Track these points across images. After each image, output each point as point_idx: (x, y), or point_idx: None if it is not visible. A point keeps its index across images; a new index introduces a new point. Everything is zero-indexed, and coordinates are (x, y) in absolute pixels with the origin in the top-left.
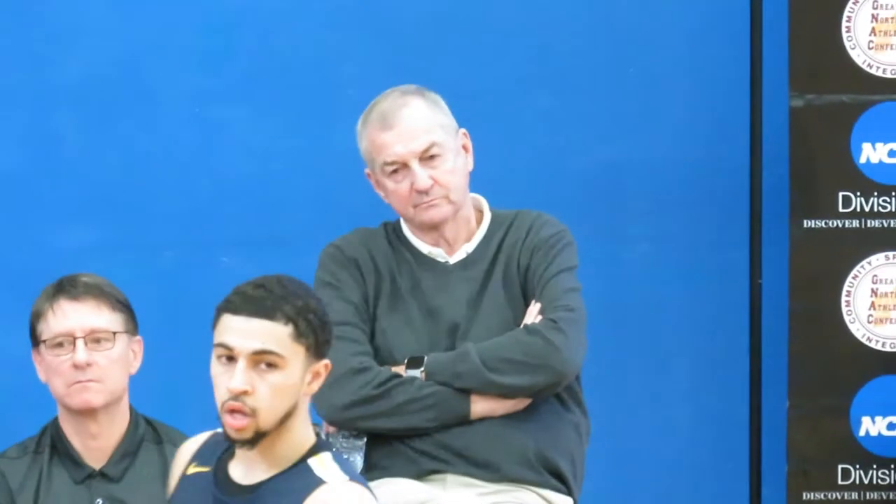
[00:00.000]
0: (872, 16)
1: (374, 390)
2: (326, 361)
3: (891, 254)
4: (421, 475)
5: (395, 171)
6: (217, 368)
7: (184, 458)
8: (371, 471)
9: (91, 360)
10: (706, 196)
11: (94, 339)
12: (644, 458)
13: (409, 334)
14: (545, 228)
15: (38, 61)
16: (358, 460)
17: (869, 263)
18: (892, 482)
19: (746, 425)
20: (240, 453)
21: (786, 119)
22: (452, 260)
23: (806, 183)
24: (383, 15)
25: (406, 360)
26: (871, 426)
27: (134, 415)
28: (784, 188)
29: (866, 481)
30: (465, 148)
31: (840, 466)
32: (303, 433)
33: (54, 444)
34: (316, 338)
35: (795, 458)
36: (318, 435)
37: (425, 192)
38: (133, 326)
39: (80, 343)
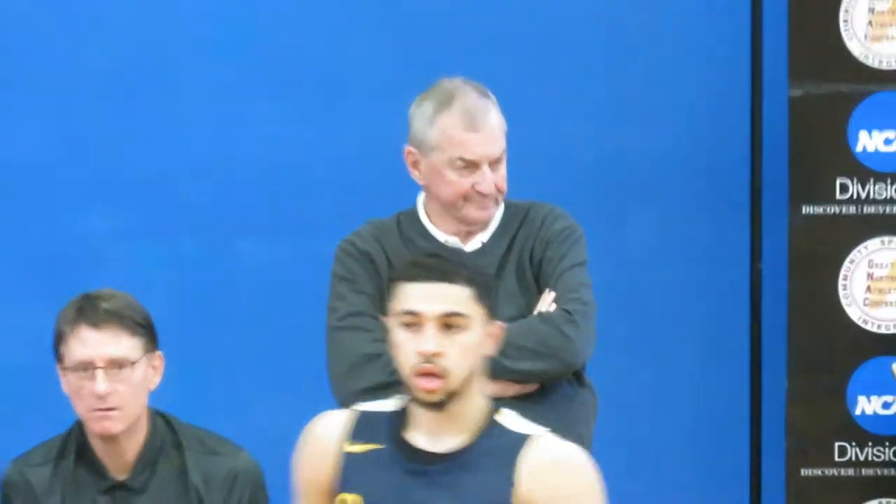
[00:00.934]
0: (869, 8)
1: (389, 377)
2: (500, 323)
3: (886, 239)
4: None
5: (464, 167)
6: (401, 335)
7: (331, 438)
8: None
9: (111, 389)
10: (708, 184)
11: (115, 366)
12: (647, 436)
13: None
14: (558, 221)
15: (63, 53)
16: None
17: (865, 248)
18: (887, 459)
19: (747, 405)
20: (417, 424)
21: (785, 109)
22: (468, 248)
23: (804, 170)
24: (395, 12)
25: None
26: (867, 405)
27: (152, 420)
28: (783, 175)
29: (862, 458)
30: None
31: (837, 444)
32: (482, 394)
33: (78, 451)
34: (490, 301)
35: (794, 436)
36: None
37: (486, 196)
38: (153, 344)
39: (100, 374)
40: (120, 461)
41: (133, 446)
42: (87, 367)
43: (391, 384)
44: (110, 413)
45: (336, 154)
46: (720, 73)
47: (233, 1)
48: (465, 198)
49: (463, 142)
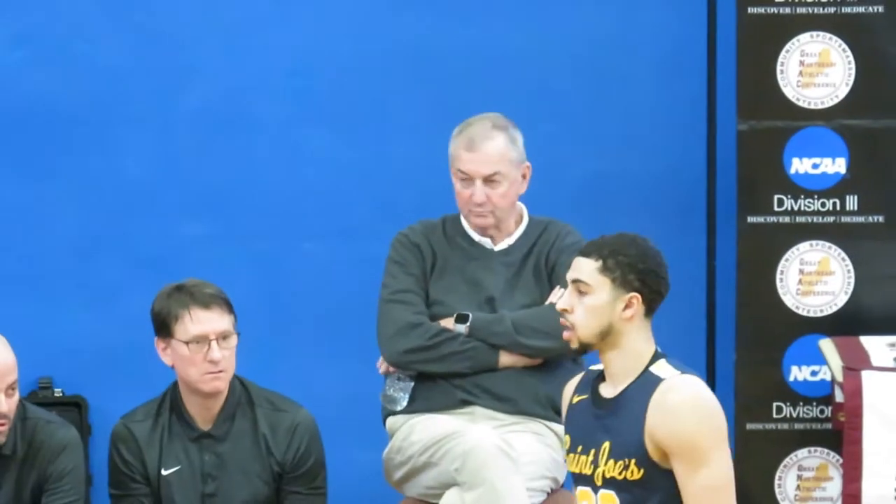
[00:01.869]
0: (800, 61)
1: (427, 342)
2: (635, 294)
3: (814, 242)
4: (455, 405)
5: (463, 180)
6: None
7: (568, 393)
8: (417, 401)
9: (221, 356)
10: (673, 198)
11: (222, 337)
12: None
13: (457, 299)
14: (570, 237)
15: (164, 93)
16: (405, 398)
17: (798, 249)
18: (814, 416)
19: (704, 372)
20: (605, 376)
21: (734, 139)
22: (497, 248)
23: (749, 188)
24: (423, 59)
25: (455, 316)
26: (799, 373)
27: (231, 382)
28: (733, 192)
29: (794, 415)
30: (523, 176)
31: (774, 404)
32: (639, 350)
33: (173, 408)
34: (623, 274)
35: (741, 397)
36: (656, 350)
37: (479, 205)
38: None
39: (214, 344)
40: (208, 414)
41: (219, 402)
42: (202, 339)
43: (428, 347)
44: (220, 375)
45: (378, 174)
46: (682, 110)
47: (298, 56)
48: (465, 205)
49: (460, 158)
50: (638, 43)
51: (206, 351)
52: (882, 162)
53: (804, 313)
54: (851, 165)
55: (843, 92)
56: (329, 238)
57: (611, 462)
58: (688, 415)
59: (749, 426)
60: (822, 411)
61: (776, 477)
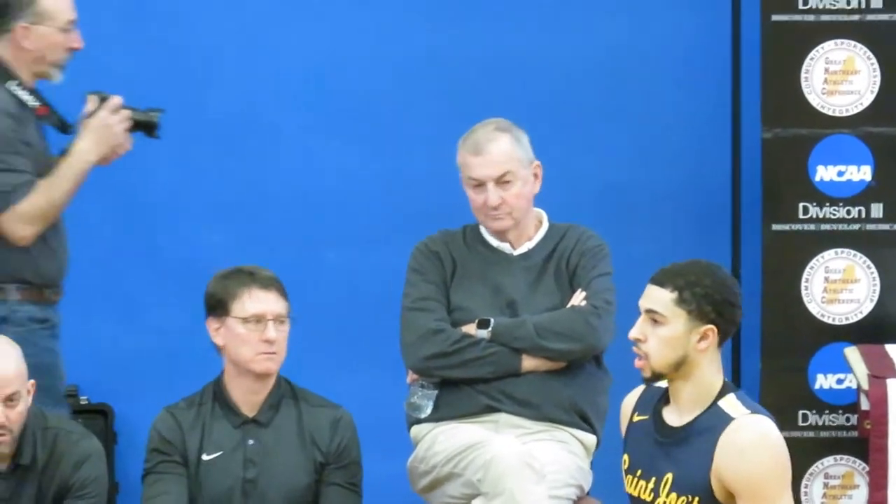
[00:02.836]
0: (825, 68)
1: (449, 348)
2: (711, 326)
3: (839, 250)
4: (480, 412)
5: (475, 186)
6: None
7: (628, 409)
8: (441, 408)
9: (276, 337)
10: (697, 206)
11: (279, 320)
12: None
13: (479, 304)
14: (591, 240)
15: (185, 104)
16: (430, 406)
17: (822, 257)
18: (840, 424)
19: (729, 380)
20: (670, 400)
21: (759, 148)
22: (516, 252)
23: (774, 196)
24: (442, 69)
25: (477, 321)
26: (824, 381)
27: (278, 375)
28: (757, 200)
29: (820, 423)
30: (535, 175)
31: (800, 412)
32: (710, 381)
33: (216, 397)
34: (699, 306)
35: (766, 405)
36: (725, 382)
37: (494, 208)
38: None
39: (270, 324)
40: (254, 399)
41: (267, 387)
42: (260, 319)
43: (450, 353)
44: (273, 356)
45: (397, 185)
46: (707, 118)
47: (316, 67)
48: (481, 211)
49: (468, 165)
50: (662, 51)
51: (262, 330)
52: None
53: (829, 321)
54: (877, 173)
55: (868, 99)
56: (352, 247)
57: (673, 495)
58: (758, 457)
59: None
60: (847, 419)
61: (802, 485)
